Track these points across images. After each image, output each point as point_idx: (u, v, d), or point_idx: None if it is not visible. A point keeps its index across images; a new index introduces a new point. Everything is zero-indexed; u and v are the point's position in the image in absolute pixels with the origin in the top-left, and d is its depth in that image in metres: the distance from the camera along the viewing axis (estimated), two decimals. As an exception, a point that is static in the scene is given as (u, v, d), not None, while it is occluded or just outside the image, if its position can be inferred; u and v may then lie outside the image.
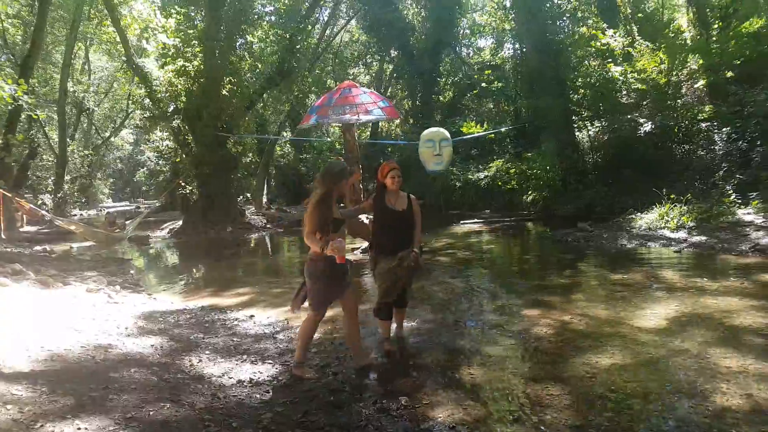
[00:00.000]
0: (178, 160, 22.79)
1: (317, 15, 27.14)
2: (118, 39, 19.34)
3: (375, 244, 5.12)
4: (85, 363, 4.52)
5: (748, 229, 9.83)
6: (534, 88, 17.78)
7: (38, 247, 13.66)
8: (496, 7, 27.14)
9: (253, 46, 21.06)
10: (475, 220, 16.85)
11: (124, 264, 11.62)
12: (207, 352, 5.17)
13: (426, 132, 10.61)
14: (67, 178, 30.48)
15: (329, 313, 6.54)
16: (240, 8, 17.77)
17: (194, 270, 11.42)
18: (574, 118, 17.30)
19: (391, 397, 3.97)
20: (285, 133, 32.89)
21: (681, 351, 4.60)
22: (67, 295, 7.45)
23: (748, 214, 10.78)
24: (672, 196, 11.96)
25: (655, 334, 5.09)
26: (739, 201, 11.45)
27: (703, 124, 14.62)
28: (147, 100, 19.62)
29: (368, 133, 32.11)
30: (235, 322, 6.32)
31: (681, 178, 13.81)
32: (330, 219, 4.36)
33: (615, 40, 15.73)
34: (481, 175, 20.35)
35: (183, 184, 20.33)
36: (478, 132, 18.22)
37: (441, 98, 30.03)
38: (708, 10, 16.70)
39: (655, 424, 3.45)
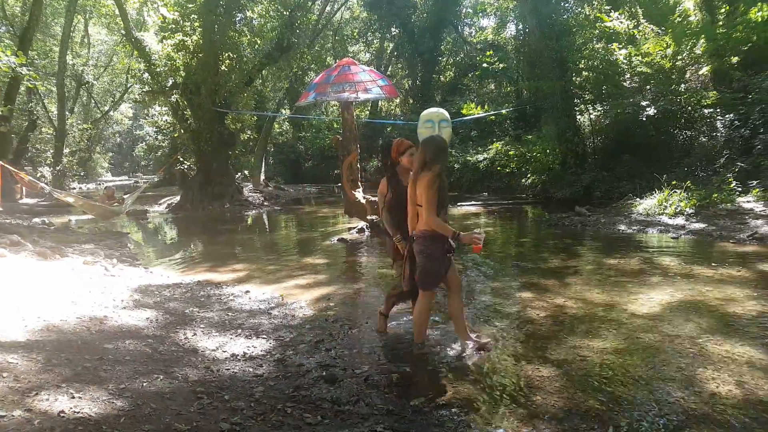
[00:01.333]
0: (176, 135, 22.72)
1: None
2: (117, 12, 19.10)
3: (398, 228, 4.64)
4: (81, 334, 4.55)
5: (747, 217, 9.79)
6: (536, 70, 17.65)
7: (37, 219, 13.68)
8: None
9: (253, 22, 20.87)
10: (473, 203, 16.85)
11: (122, 237, 11.64)
12: (201, 325, 5.19)
13: (425, 112, 10.45)
14: (66, 151, 30.35)
15: (323, 290, 6.62)
16: (240, -17, 17.59)
17: (191, 245, 11.45)
18: (576, 101, 17.18)
19: (382, 374, 4.01)
20: (284, 111, 32.76)
21: (674, 337, 4.60)
22: (65, 267, 7.46)
23: (748, 202, 10.74)
24: (673, 182, 11.93)
25: (649, 319, 5.09)
26: (740, 189, 11.35)
27: (707, 110, 14.43)
28: (146, 75, 19.49)
29: (367, 111, 31.99)
30: (231, 297, 6.34)
31: (682, 164, 13.74)
32: (446, 197, 4.25)
33: (620, 22, 15.55)
34: (480, 157, 20.32)
35: (181, 159, 20.29)
36: (478, 113, 18.14)
37: (441, 78, 29.88)
38: (715, -7, 16.44)
39: (645, 408, 3.45)
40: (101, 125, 42.02)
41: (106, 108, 41.72)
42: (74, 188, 29.58)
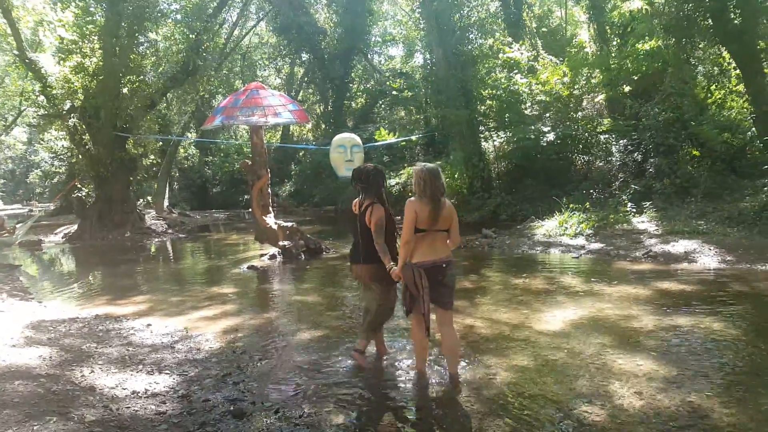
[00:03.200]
0: (74, 161, 21.50)
1: (225, 15, 26.39)
2: (9, 31, 17.95)
3: (390, 253, 4.46)
4: (-41, 378, 4.15)
5: (642, 237, 10.41)
6: (442, 98, 18.16)
7: None
8: (406, 16, 27.53)
9: (157, 44, 20.24)
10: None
11: (13, 270, 10.78)
12: (100, 362, 4.86)
13: (337, 137, 10.62)
14: (-51, 178, 28.04)
15: (232, 321, 6.41)
16: (143, 5, 16.96)
17: (89, 277, 10.78)
18: (480, 128, 17.78)
19: (293, 407, 3.89)
20: (189, 135, 31.79)
21: (578, 353, 4.79)
22: (-58, 304, 6.84)
23: (642, 222, 11.42)
24: (571, 205, 12.57)
25: (554, 337, 5.28)
26: (634, 210, 12.12)
27: (602, 136, 15.38)
28: (41, 97, 18.36)
29: (279, 136, 31.74)
30: (131, 332, 5.98)
31: (580, 187, 14.49)
32: None
33: (521, 53, 16.33)
34: (393, 181, 20.56)
35: (79, 185, 19.21)
36: (390, 139, 18.43)
37: (353, 104, 30.14)
38: (608, 27, 17.69)
39: (552, 425, 3.54)
40: (-10, 150, 39.16)
41: (-3, 132, 38.94)
42: (-42, 218, 27.32)
